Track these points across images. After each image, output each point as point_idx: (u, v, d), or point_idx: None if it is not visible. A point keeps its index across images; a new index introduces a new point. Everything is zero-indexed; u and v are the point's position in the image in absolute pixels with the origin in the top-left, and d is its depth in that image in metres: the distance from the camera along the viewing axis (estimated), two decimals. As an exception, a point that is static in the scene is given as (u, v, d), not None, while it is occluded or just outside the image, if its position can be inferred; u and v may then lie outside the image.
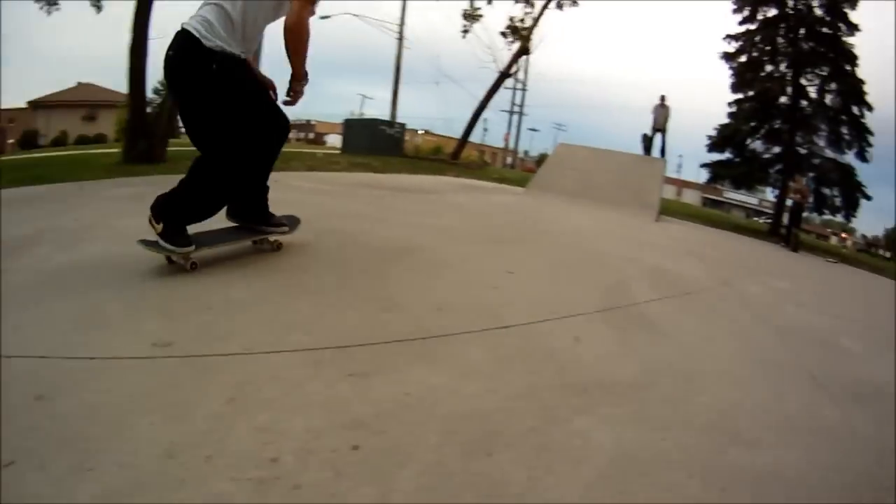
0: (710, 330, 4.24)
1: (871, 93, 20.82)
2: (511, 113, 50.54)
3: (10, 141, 47.83)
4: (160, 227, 3.59)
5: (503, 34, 26.61)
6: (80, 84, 61.69)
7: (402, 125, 35.18)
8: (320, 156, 20.95)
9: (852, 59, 21.20)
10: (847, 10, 21.19)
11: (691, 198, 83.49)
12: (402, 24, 34.42)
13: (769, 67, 22.49)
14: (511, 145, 52.78)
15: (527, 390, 2.61)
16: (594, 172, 15.21)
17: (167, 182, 6.37)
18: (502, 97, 51.17)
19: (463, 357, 2.88)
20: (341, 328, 3.05)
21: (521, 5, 25.42)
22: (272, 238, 4.44)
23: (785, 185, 20.29)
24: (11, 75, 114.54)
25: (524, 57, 32.39)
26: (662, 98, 18.20)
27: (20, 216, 5.67)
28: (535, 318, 3.70)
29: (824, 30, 21.40)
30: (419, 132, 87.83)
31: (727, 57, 23.10)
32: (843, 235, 61.33)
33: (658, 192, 14.61)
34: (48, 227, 4.96)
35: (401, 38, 35.24)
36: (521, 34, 26.30)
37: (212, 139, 3.77)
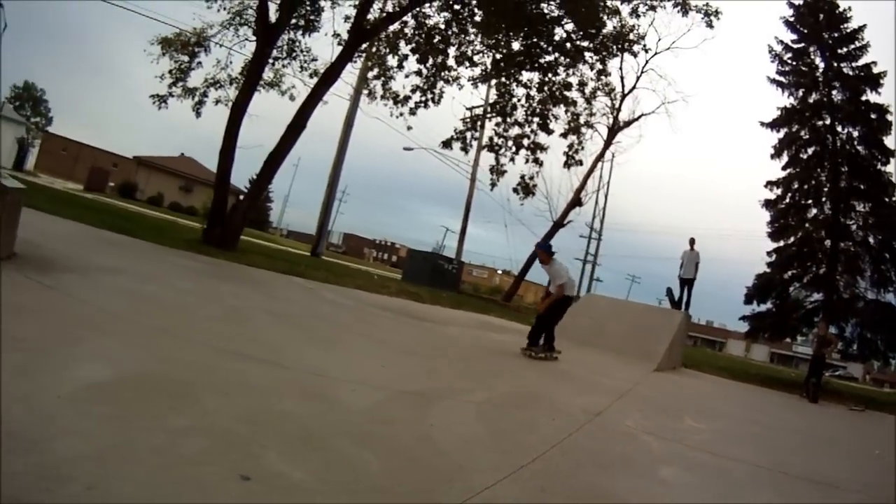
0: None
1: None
2: (584, 262, 51.66)
3: (111, 184, 52.40)
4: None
5: (515, 190, 27.69)
6: (182, 155, 68.72)
7: (461, 263, 36.47)
8: (376, 278, 22.36)
9: (891, 189, 20.97)
10: (882, 137, 21.32)
11: (760, 354, 79.47)
12: (475, 165, 36.03)
13: (814, 210, 22.34)
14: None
15: None
16: (609, 322, 15.83)
17: (225, 266, 12.71)
18: (579, 245, 51.85)
19: None
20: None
21: (530, 164, 26.52)
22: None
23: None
24: (117, 124, 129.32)
25: (577, 208, 33.22)
26: (692, 242, 18.16)
27: (106, 253, 9.60)
28: None
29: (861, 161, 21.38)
30: (499, 272, 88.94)
31: (768, 204, 23.02)
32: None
33: (666, 342, 14.72)
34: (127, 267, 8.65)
35: (473, 180, 36.91)
36: (531, 191, 27.08)
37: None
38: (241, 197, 22.00)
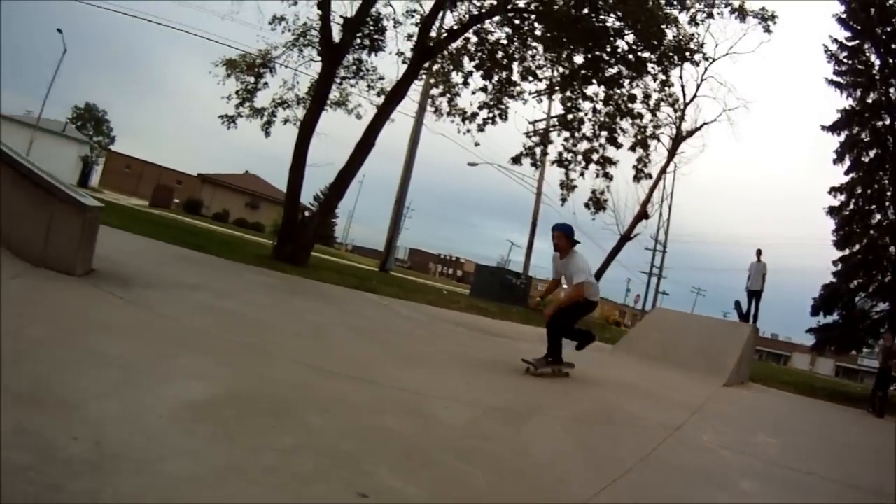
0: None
1: None
2: (650, 275, 51.10)
3: (176, 201, 54.09)
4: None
5: (586, 205, 27.18)
6: (247, 172, 70.41)
7: (529, 278, 36.09)
8: (445, 293, 22.60)
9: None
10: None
11: (825, 367, 76.87)
12: (540, 180, 36.04)
13: (878, 216, 21.93)
14: (640, 307, 52.57)
15: None
16: (678, 336, 15.56)
17: (298, 282, 13.35)
18: (645, 258, 51.28)
19: None
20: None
21: (599, 179, 26.17)
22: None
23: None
24: (178, 142, 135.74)
25: (643, 221, 32.77)
26: (759, 253, 18.05)
27: (181, 268, 10.19)
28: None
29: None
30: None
31: (832, 211, 22.65)
32: None
33: (735, 357, 14.39)
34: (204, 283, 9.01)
35: (538, 194, 37.00)
36: (602, 205, 26.89)
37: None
38: (307, 213, 22.46)
